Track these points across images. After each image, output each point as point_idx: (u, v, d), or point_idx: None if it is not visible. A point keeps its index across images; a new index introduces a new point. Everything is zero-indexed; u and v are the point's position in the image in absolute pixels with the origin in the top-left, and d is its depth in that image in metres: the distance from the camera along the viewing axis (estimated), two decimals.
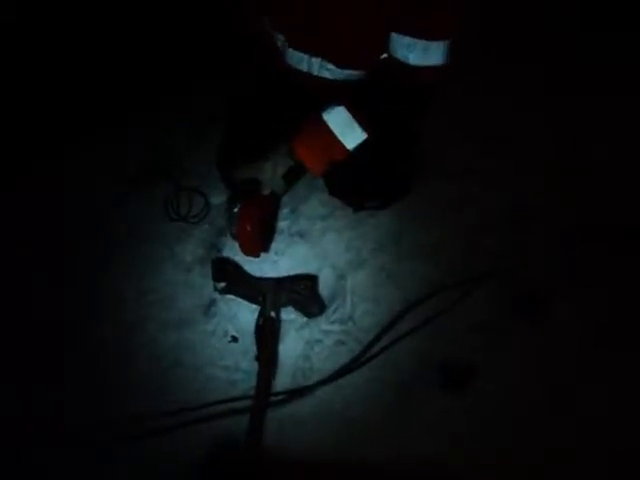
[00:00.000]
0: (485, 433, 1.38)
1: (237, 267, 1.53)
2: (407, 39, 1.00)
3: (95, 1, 1.68)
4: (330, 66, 1.10)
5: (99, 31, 1.69)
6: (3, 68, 1.63)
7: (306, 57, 1.10)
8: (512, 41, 1.76)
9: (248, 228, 1.29)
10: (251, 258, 1.43)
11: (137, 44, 1.69)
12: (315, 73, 1.13)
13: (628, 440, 1.35)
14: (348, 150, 1.13)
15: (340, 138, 1.11)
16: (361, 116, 1.10)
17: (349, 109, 1.09)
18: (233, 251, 1.53)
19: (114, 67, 1.68)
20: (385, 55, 1.07)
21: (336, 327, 1.51)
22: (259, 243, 1.38)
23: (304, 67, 1.12)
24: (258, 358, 1.45)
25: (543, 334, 1.47)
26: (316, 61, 1.10)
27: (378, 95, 1.11)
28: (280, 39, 1.10)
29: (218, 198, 1.63)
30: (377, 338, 1.48)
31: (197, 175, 1.64)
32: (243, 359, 1.48)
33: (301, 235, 1.59)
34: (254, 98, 1.35)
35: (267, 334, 1.46)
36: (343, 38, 1.03)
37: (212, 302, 1.52)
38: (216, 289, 1.50)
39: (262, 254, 1.44)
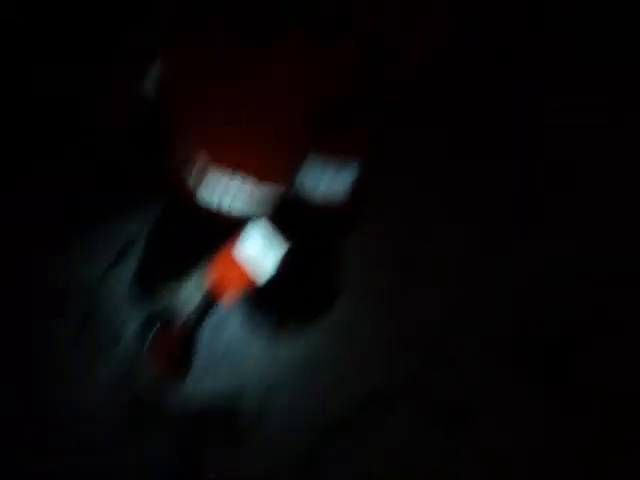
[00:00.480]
0: None
1: (151, 396, 1.44)
2: (318, 164, 1.01)
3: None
4: (245, 189, 1.09)
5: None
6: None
7: (223, 180, 1.09)
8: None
9: (165, 352, 1.27)
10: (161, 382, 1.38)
11: None
12: (228, 201, 1.11)
13: None
14: (265, 272, 1.13)
15: (257, 261, 1.12)
16: (277, 238, 1.11)
17: (265, 232, 1.11)
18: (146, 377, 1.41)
19: None
20: (297, 180, 1.07)
21: (259, 456, 1.41)
22: (176, 367, 1.34)
23: (217, 197, 1.11)
24: None
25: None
26: (232, 186, 1.09)
27: (291, 220, 1.11)
28: (197, 166, 1.10)
29: (134, 322, 1.48)
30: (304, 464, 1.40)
31: (113, 298, 1.53)
32: None
33: (220, 357, 1.50)
34: (171, 223, 1.37)
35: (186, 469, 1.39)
36: (254, 156, 1.03)
37: (125, 437, 1.42)
38: (129, 422, 1.42)
39: (181, 377, 1.38)
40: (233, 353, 1.51)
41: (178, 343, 1.28)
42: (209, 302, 1.19)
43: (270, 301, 1.33)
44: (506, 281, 1.57)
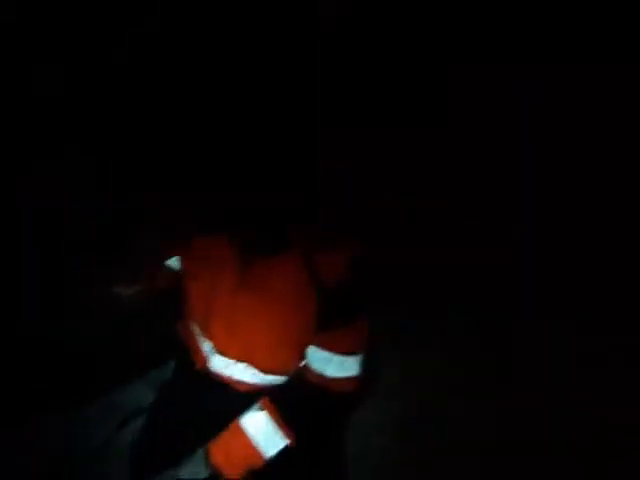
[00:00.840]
0: None
1: None
2: (323, 353, 1.04)
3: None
4: (253, 371, 1.11)
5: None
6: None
7: (231, 362, 1.12)
8: None
9: None
10: None
11: None
12: (238, 378, 1.13)
13: None
14: (267, 458, 1.10)
15: (260, 445, 1.09)
16: (281, 423, 1.09)
17: (269, 416, 1.09)
18: None
19: None
20: (304, 363, 1.09)
21: None
22: None
23: (228, 371, 1.14)
24: None
25: None
26: (240, 366, 1.12)
27: (300, 402, 1.11)
28: (207, 345, 1.13)
29: None
30: None
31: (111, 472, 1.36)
32: None
33: None
34: (172, 397, 1.31)
35: None
36: (261, 346, 1.06)
37: None
38: None
39: None
40: None
41: None
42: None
43: None
44: None
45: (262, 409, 1.09)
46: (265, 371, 1.10)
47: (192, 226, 1.06)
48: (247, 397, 1.12)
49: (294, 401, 1.10)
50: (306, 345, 1.04)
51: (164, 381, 1.36)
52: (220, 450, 1.10)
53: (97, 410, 1.41)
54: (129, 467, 1.28)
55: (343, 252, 0.97)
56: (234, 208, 0.94)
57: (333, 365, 1.04)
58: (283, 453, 1.10)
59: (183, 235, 1.08)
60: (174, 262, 1.16)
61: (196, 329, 1.14)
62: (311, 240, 0.96)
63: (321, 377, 1.05)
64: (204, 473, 1.10)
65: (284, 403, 1.09)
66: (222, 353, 1.11)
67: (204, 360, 1.15)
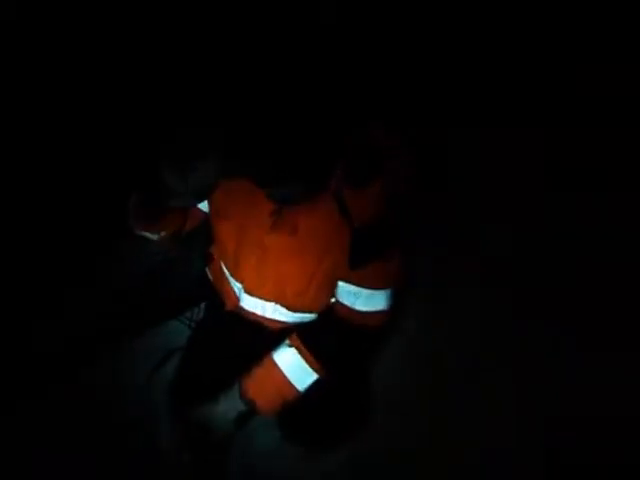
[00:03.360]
0: None
1: None
2: (353, 287, 1.05)
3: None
4: (283, 310, 1.14)
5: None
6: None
7: (260, 302, 1.14)
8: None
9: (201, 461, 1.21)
10: None
11: None
12: (269, 316, 1.16)
13: None
14: (299, 391, 1.13)
15: (291, 379, 1.12)
16: (312, 358, 1.11)
17: (300, 351, 1.11)
18: None
19: None
20: (334, 299, 1.11)
21: None
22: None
23: (258, 311, 1.16)
24: None
25: None
26: (270, 305, 1.14)
27: (328, 337, 1.13)
28: (237, 285, 1.15)
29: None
30: None
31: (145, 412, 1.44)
32: None
33: (248, 473, 1.41)
34: (206, 335, 1.34)
35: None
36: (292, 285, 1.08)
37: None
38: None
39: None
40: (264, 465, 1.43)
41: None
42: (246, 413, 1.18)
43: (301, 422, 1.27)
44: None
45: (292, 345, 1.11)
46: (295, 309, 1.12)
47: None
48: (278, 333, 1.15)
49: (323, 336, 1.12)
50: (337, 281, 1.06)
51: (197, 321, 1.40)
52: (254, 385, 1.13)
53: (138, 350, 1.46)
54: (169, 403, 1.33)
55: (374, 189, 0.96)
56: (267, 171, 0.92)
57: (362, 299, 1.06)
58: (314, 387, 1.13)
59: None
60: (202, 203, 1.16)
61: (226, 270, 1.15)
62: (343, 179, 0.95)
63: (350, 311, 1.07)
64: (240, 408, 1.14)
65: (313, 338, 1.12)
66: (252, 293, 1.13)
67: (234, 300, 1.17)
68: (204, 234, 1.20)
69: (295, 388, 1.11)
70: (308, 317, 1.15)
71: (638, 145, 1.66)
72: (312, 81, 0.98)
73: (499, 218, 1.57)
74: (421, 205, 1.37)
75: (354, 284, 1.04)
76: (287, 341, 1.12)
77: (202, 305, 1.41)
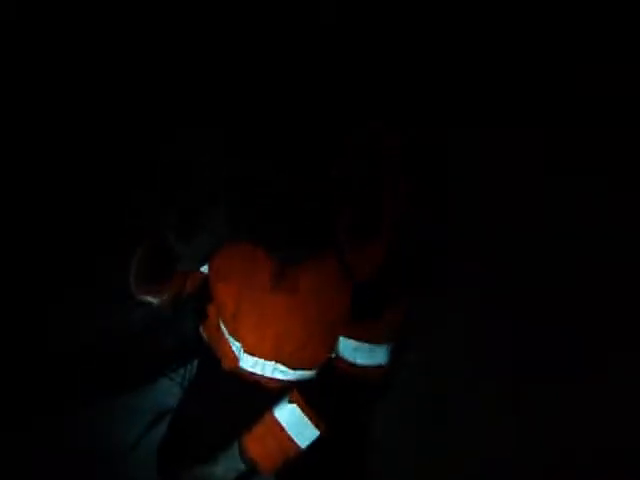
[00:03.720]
0: None
1: None
2: (353, 342, 1.05)
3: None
4: (283, 368, 1.14)
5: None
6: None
7: (260, 361, 1.13)
8: None
9: None
10: None
11: None
12: (268, 375, 1.16)
13: None
14: (301, 448, 1.12)
15: (293, 436, 1.11)
16: (314, 414, 1.11)
17: (301, 407, 1.11)
18: None
19: None
20: (333, 355, 1.11)
21: None
22: None
23: (258, 370, 1.15)
24: None
25: None
26: (270, 364, 1.14)
27: (329, 392, 1.13)
28: (236, 345, 1.15)
29: None
30: None
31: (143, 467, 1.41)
32: None
33: None
34: (201, 394, 1.32)
35: None
36: (292, 344, 1.08)
37: None
38: None
39: None
40: None
41: None
42: (246, 473, 1.16)
43: (302, 474, 1.26)
44: None
45: (292, 401, 1.11)
46: (295, 367, 1.12)
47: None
48: (277, 391, 1.14)
49: (324, 391, 1.12)
50: (337, 337, 1.06)
51: (190, 380, 1.37)
52: (254, 443, 1.11)
53: (123, 411, 1.43)
54: (157, 468, 1.28)
55: (375, 246, 0.96)
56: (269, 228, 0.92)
57: (363, 354, 1.06)
58: (314, 443, 1.12)
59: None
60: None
61: (225, 329, 1.15)
62: (343, 236, 0.95)
63: (351, 366, 1.07)
64: (240, 468, 1.12)
65: (314, 394, 1.11)
66: (251, 353, 1.12)
67: (233, 360, 1.16)
68: (199, 292, 1.20)
69: (297, 445, 1.10)
70: (308, 374, 1.14)
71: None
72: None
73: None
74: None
75: (355, 339, 1.04)
76: (288, 398, 1.11)
77: (194, 363, 1.38)
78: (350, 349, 1.06)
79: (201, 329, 1.28)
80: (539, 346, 1.50)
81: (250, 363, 1.14)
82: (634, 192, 1.64)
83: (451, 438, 1.41)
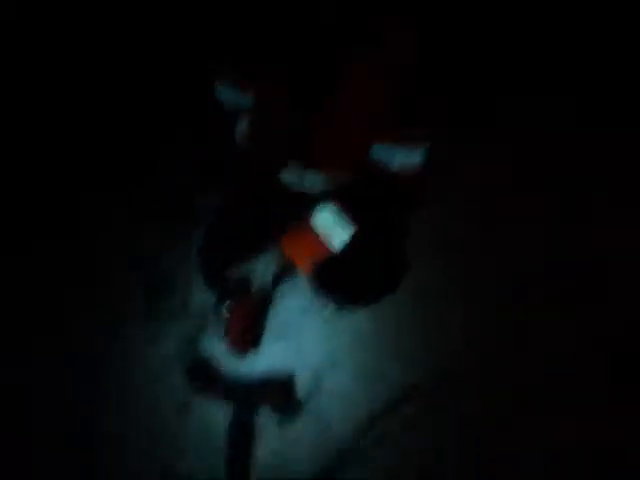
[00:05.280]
0: None
1: (213, 366, 1.51)
2: (390, 145, 1.10)
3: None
4: (321, 179, 1.19)
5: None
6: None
7: (298, 175, 1.19)
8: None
9: (239, 327, 1.29)
10: (228, 356, 1.45)
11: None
12: (307, 187, 1.21)
13: None
14: (335, 248, 1.18)
15: (327, 237, 1.17)
16: (347, 216, 1.16)
17: (336, 209, 1.16)
18: (210, 349, 1.53)
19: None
20: (369, 158, 1.14)
21: (312, 427, 1.46)
22: (249, 342, 1.37)
23: (296, 184, 1.22)
24: (230, 461, 1.40)
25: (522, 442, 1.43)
26: (308, 178, 1.20)
27: (364, 195, 1.18)
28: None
29: (197, 295, 1.60)
30: (354, 441, 1.44)
31: (177, 272, 1.62)
32: (219, 460, 1.42)
33: (278, 332, 1.55)
34: (245, 200, 1.40)
35: (241, 436, 1.42)
36: (332, 151, 1.13)
37: (187, 402, 1.48)
38: (191, 388, 1.48)
39: (251, 350, 1.42)
40: (289, 330, 1.55)
41: (251, 318, 1.31)
42: (284, 273, 1.24)
43: (334, 280, 1.34)
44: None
45: (328, 204, 1.16)
46: (334, 174, 1.17)
47: None
48: (315, 198, 1.20)
49: (359, 194, 1.18)
50: (375, 139, 1.10)
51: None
52: (292, 243, 1.19)
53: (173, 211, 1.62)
54: (201, 271, 1.43)
55: (411, 29, 1.02)
56: None
57: (399, 155, 1.11)
58: (348, 245, 1.19)
59: None
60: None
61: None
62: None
63: (387, 168, 1.12)
64: (279, 265, 1.22)
65: (349, 197, 1.17)
66: (293, 163, 1.17)
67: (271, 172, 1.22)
68: None
69: (332, 245, 1.16)
70: (346, 179, 1.19)
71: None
72: None
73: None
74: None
75: (391, 141, 1.09)
76: (324, 200, 1.16)
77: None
78: (386, 151, 1.11)
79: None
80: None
81: (289, 176, 1.20)
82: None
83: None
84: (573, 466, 1.37)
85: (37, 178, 1.64)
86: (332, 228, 1.16)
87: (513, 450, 1.41)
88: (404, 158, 1.11)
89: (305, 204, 1.20)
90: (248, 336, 1.34)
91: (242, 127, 1.17)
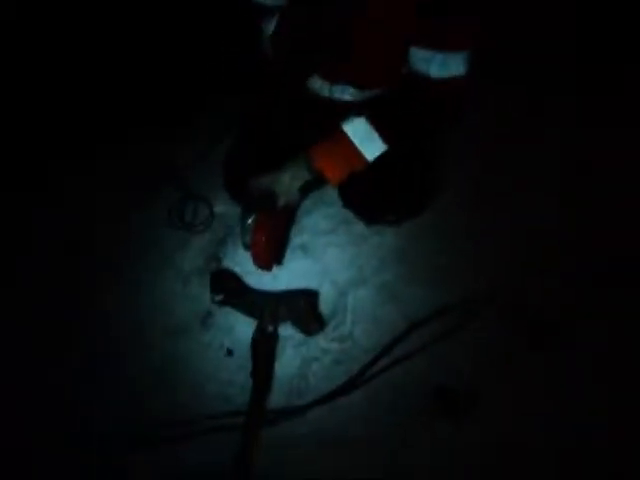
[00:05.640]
0: (484, 462, 1.38)
1: (236, 279, 1.51)
2: (426, 52, 1.01)
3: (96, 3, 1.64)
4: (352, 90, 1.13)
5: (100, 35, 1.67)
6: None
7: (327, 84, 1.13)
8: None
9: (263, 240, 1.24)
10: (251, 270, 1.42)
11: (142, 54, 1.64)
12: (337, 97, 1.16)
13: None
14: (367, 161, 1.12)
15: (360, 149, 1.11)
16: (382, 128, 1.10)
17: (370, 120, 1.10)
18: (233, 262, 1.53)
19: (115, 77, 1.64)
20: (406, 69, 1.07)
21: (335, 345, 1.49)
22: (273, 255, 1.35)
23: (325, 93, 1.16)
24: (253, 374, 1.43)
25: (547, 364, 1.45)
26: (337, 87, 1.14)
27: (400, 107, 1.11)
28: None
29: (221, 207, 1.59)
30: (376, 359, 1.46)
31: (201, 184, 1.60)
32: (238, 374, 1.46)
33: (303, 249, 1.55)
34: (271, 109, 1.36)
35: (263, 350, 1.44)
36: (364, 62, 1.05)
37: (209, 313, 1.50)
38: (214, 300, 1.48)
39: (275, 264, 1.42)
40: (314, 247, 1.55)
41: (275, 231, 1.29)
42: (308, 187, 1.18)
43: (365, 195, 1.31)
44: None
45: (362, 114, 1.09)
46: (366, 87, 1.12)
47: None
48: (349, 108, 1.14)
49: (395, 105, 1.11)
50: (405, 48, 1.02)
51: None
52: (322, 154, 1.12)
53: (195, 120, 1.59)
54: (224, 182, 1.41)
55: None
56: None
57: (436, 64, 1.01)
58: (381, 159, 1.13)
59: None
60: None
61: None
62: None
63: (424, 79, 1.03)
64: (306, 176, 1.16)
65: (384, 108, 1.11)
66: (323, 77, 1.12)
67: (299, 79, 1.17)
68: None
69: (364, 157, 1.11)
70: (377, 92, 1.14)
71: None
72: None
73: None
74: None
75: (427, 47, 1.00)
76: (357, 110, 1.10)
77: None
78: (423, 60, 1.02)
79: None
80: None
81: (317, 86, 1.15)
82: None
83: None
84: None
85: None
86: (365, 140, 1.10)
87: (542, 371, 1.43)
88: (442, 67, 1.02)
89: (338, 113, 1.13)
90: (271, 250, 1.31)
91: (271, 27, 1.09)
